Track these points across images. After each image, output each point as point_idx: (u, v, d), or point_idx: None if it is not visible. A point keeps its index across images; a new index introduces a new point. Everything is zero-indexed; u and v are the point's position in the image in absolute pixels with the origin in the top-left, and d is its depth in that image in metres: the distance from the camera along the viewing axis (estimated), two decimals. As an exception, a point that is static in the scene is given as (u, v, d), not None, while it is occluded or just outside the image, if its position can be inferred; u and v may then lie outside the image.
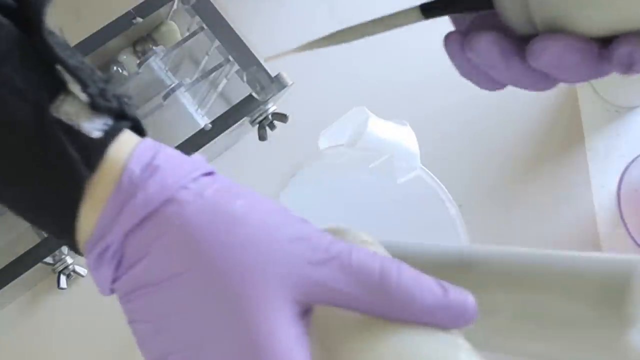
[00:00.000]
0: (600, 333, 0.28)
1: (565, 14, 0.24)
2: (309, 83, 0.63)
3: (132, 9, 0.61)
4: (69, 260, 0.60)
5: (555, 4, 0.24)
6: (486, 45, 0.26)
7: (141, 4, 0.62)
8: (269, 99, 0.59)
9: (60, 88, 0.27)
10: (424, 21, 0.28)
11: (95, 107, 0.27)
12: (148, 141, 0.28)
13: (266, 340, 0.23)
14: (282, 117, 0.61)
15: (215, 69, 0.62)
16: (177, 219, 0.25)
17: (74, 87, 0.27)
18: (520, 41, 0.26)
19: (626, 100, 0.71)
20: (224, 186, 0.27)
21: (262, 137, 0.62)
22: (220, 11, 0.61)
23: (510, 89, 0.28)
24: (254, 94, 0.59)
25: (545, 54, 0.25)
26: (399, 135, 0.53)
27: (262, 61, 0.60)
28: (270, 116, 0.61)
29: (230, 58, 0.61)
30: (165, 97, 0.61)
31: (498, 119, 0.72)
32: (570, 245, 0.69)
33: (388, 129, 0.53)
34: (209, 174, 0.28)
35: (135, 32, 0.65)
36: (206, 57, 0.64)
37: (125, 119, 0.28)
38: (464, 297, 0.26)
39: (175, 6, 0.64)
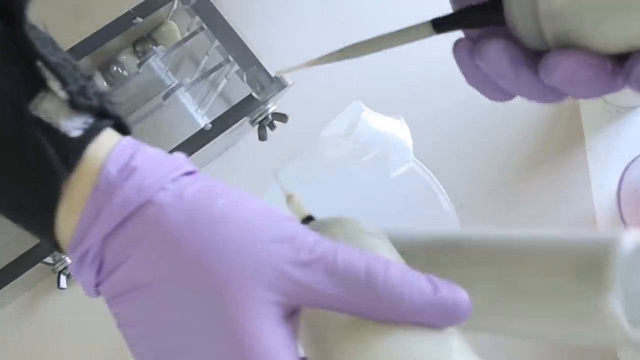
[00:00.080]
0: (580, 302, 0.29)
1: (578, 29, 0.24)
2: (309, 83, 0.63)
3: (132, 9, 0.61)
4: (69, 260, 0.59)
5: (568, 19, 0.24)
6: (496, 53, 0.26)
7: (141, 4, 0.62)
8: (269, 99, 0.59)
9: (40, 85, 0.26)
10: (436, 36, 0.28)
11: (75, 106, 0.26)
12: (127, 140, 0.27)
13: (252, 341, 0.23)
14: (282, 117, 0.61)
15: (215, 69, 0.62)
16: (156, 222, 0.25)
17: (54, 85, 0.26)
18: (530, 53, 0.26)
19: (626, 100, 0.71)
20: (205, 186, 0.26)
21: (262, 137, 0.62)
22: (220, 11, 0.61)
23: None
24: (254, 94, 0.59)
25: (559, 69, 0.24)
26: (393, 128, 0.53)
27: (261, 61, 0.60)
28: (270, 116, 0.61)
29: (230, 58, 0.61)
30: (165, 97, 0.61)
31: (498, 119, 0.72)
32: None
33: (382, 122, 0.53)
34: (190, 173, 0.27)
35: (135, 32, 0.65)
36: (206, 57, 0.64)
37: (108, 117, 0.27)
38: (455, 293, 0.25)
39: (175, 6, 0.64)
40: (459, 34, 0.29)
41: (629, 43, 0.24)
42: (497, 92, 0.28)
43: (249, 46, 0.61)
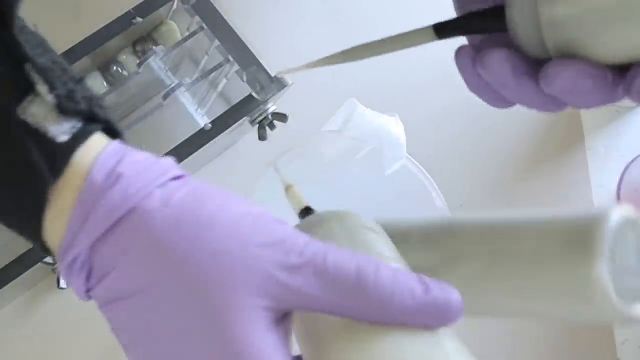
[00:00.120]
0: (570, 273, 0.29)
1: (579, 39, 0.24)
2: (309, 83, 0.63)
3: (132, 9, 0.61)
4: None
5: (569, 28, 0.24)
6: (498, 63, 0.26)
7: (141, 4, 0.62)
8: (269, 99, 0.59)
9: (29, 89, 0.26)
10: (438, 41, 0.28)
11: (62, 110, 0.26)
12: (115, 145, 0.27)
13: (243, 347, 0.23)
14: (282, 117, 0.62)
15: (215, 69, 0.62)
16: (143, 229, 0.24)
17: (43, 89, 0.26)
18: (532, 62, 0.26)
19: (626, 101, 0.71)
20: (193, 190, 0.26)
21: (262, 137, 0.62)
22: (220, 11, 0.61)
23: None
24: (254, 94, 0.59)
25: (559, 79, 0.24)
26: (387, 125, 0.53)
27: (261, 61, 0.60)
28: (270, 116, 0.61)
29: (230, 58, 0.61)
30: (165, 97, 0.61)
31: (498, 119, 0.72)
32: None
33: (376, 118, 0.53)
34: (178, 177, 0.27)
35: (135, 32, 0.65)
36: (206, 57, 0.64)
37: (97, 121, 0.27)
38: (447, 294, 0.24)
39: (175, 6, 0.64)
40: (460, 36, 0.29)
41: (630, 54, 0.24)
42: (498, 100, 0.28)
43: (248, 46, 0.61)
